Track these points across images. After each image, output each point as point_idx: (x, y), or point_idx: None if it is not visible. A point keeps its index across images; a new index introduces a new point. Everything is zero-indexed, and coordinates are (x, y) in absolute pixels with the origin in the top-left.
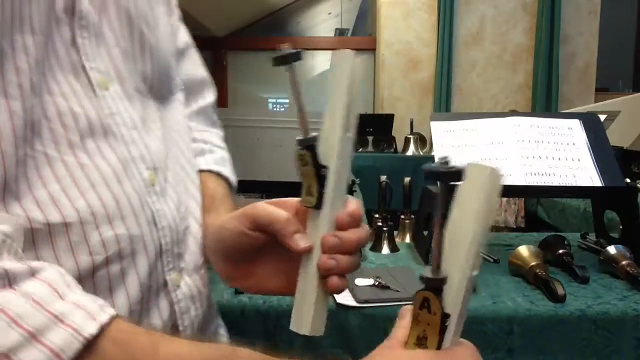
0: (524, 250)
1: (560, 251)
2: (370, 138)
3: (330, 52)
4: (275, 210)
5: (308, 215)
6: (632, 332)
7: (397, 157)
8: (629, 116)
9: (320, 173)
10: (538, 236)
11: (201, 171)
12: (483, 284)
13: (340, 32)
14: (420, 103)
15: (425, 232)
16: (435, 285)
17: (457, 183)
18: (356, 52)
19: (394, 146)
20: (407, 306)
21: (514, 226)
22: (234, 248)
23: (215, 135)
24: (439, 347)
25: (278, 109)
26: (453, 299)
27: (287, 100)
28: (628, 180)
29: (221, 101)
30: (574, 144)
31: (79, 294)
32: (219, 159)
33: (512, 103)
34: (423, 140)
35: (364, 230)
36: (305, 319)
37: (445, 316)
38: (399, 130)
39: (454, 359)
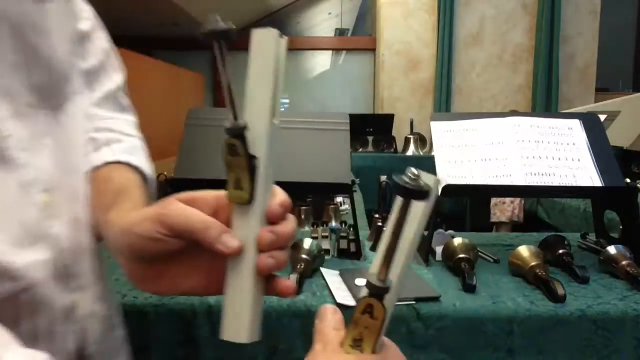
0: (524, 250)
1: (560, 251)
2: (370, 138)
3: (330, 52)
4: (192, 214)
5: (232, 209)
6: (632, 332)
7: (397, 157)
8: (629, 116)
9: (251, 164)
10: (538, 236)
11: (108, 163)
12: (483, 284)
13: (340, 32)
14: (420, 103)
15: (425, 232)
16: (380, 293)
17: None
18: (277, 32)
19: (394, 146)
20: (326, 305)
21: (514, 220)
22: (145, 252)
23: (124, 123)
24: (373, 350)
25: None
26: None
27: (287, 100)
28: (628, 180)
29: (221, 101)
30: (574, 144)
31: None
32: (129, 148)
33: (512, 103)
34: (423, 140)
35: (293, 220)
36: (242, 325)
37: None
38: (399, 130)
39: None
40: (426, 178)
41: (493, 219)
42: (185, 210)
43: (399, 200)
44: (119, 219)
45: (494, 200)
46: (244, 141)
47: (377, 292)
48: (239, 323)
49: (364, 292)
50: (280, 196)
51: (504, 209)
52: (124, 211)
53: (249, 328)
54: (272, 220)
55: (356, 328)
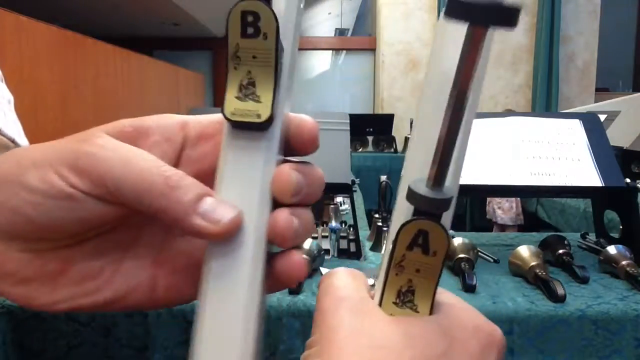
0: (524, 250)
1: (560, 251)
2: (370, 138)
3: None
4: (137, 161)
5: (226, 137)
6: (632, 332)
7: (397, 157)
8: (629, 116)
9: (279, 55)
10: (538, 236)
11: None
12: (483, 284)
13: (340, 32)
14: None
15: None
16: (439, 209)
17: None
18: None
19: (394, 146)
20: (330, 270)
21: (513, 223)
22: (40, 224)
23: None
24: (432, 308)
25: None
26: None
27: None
28: (628, 180)
29: (221, 101)
30: (574, 144)
31: None
32: None
33: (512, 103)
34: None
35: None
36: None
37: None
38: (399, 130)
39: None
40: None
41: (496, 219)
42: (127, 152)
43: (466, 33)
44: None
45: (493, 204)
46: (273, 9)
47: (435, 208)
48: (230, 353)
49: (402, 216)
50: (307, 119)
51: (505, 209)
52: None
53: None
54: (299, 151)
55: (401, 274)
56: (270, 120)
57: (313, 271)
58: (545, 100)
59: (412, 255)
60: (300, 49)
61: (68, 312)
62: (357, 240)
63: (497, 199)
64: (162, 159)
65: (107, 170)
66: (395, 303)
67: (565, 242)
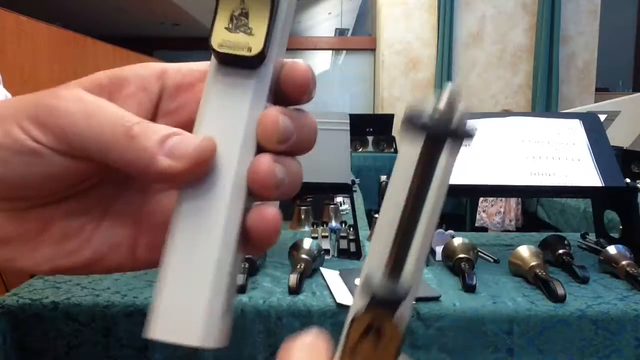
0: (524, 250)
1: (560, 251)
2: (370, 138)
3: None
4: (107, 118)
5: (212, 72)
6: (632, 332)
7: None
8: (629, 116)
9: None
10: (538, 236)
11: None
12: (483, 284)
13: (340, 32)
14: None
15: None
16: (392, 303)
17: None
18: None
19: (394, 146)
20: (290, 343)
21: (514, 229)
22: (5, 180)
23: None
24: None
25: None
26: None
27: None
28: (628, 180)
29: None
30: (574, 144)
31: None
32: None
33: (512, 103)
34: None
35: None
36: (198, 316)
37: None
38: (399, 130)
39: None
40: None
41: (479, 223)
42: (91, 104)
43: (417, 147)
44: None
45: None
46: None
47: (387, 301)
48: (191, 313)
49: (359, 303)
50: (299, 63)
51: (490, 213)
52: None
53: (212, 324)
54: (291, 96)
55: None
56: (261, 56)
57: (313, 271)
58: (545, 100)
59: (364, 347)
60: (300, 49)
61: (52, 273)
62: (357, 240)
63: (485, 203)
64: (137, 111)
65: (68, 123)
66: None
67: (565, 242)
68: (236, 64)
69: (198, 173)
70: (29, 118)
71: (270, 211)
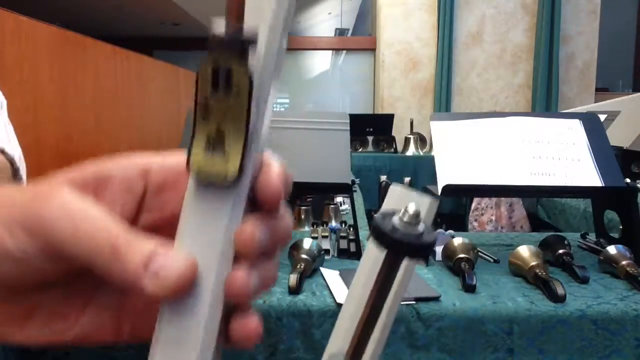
0: (524, 250)
1: (560, 251)
2: (370, 138)
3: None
4: (87, 226)
5: (190, 189)
6: (632, 332)
7: (397, 157)
8: (629, 116)
9: (250, 110)
10: (538, 236)
11: None
12: (483, 284)
13: (340, 32)
14: (420, 103)
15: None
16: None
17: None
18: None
19: (394, 146)
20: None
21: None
22: (5, 280)
23: None
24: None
25: (278, 109)
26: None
27: (287, 100)
28: (628, 180)
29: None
30: (574, 144)
31: None
32: None
33: (512, 103)
34: (423, 140)
35: (288, 211)
36: None
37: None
38: (399, 130)
39: None
40: (419, 202)
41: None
42: (77, 214)
43: (380, 256)
44: None
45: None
46: (246, 64)
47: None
48: None
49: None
50: (275, 166)
51: (482, 222)
52: None
53: None
54: (264, 206)
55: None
56: (238, 179)
57: (313, 271)
58: (545, 100)
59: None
60: (300, 49)
61: (41, 346)
62: (357, 240)
63: (476, 212)
64: (121, 211)
65: (55, 234)
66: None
67: (565, 242)
68: (213, 184)
69: (180, 294)
70: (18, 225)
71: (252, 322)
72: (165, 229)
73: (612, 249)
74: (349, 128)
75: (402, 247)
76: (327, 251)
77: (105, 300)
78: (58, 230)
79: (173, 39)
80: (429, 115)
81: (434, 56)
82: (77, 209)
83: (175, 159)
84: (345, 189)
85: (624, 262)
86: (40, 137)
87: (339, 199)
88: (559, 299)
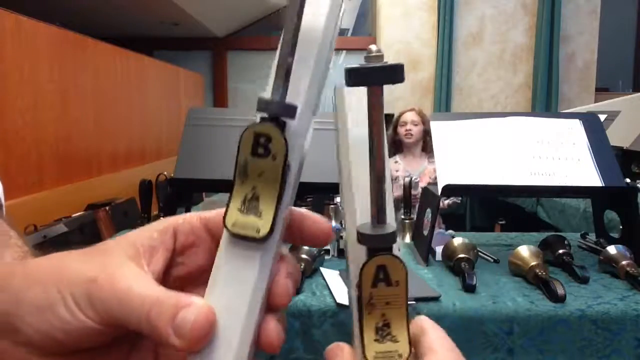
0: (524, 250)
1: (560, 251)
2: None
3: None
4: (136, 302)
5: (223, 243)
6: (632, 332)
7: None
8: (629, 116)
9: (285, 174)
10: (538, 236)
11: None
12: (483, 284)
13: (340, 32)
14: (420, 103)
15: (425, 232)
16: (389, 243)
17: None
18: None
19: None
20: (336, 344)
21: None
22: (61, 345)
23: None
24: (410, 337)
25: None
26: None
27: None
28: (628, 180)
29: (221, 101)
30: (574, 144)
31: None
32: None
33: (512, 103)
34: None
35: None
36: None
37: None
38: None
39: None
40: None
41: None
42: (121, 292)
43: (368, 93)
44: (7, 281)
45: None
46: (284, 134)
47: (385, 242)
48: None
49: (358, 258)
50: (322, 223)
51: None
52: (14, 269)
53: None
54: (304, 241)
55: (373, 311)
56: (268, 236)
57: (313, 271)
58: (545, 100)
59: (378, 291)
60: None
61: None
62: None
63: None
64: (162, 267)
65: (111, 307)
66: (376, 340)
67: (565, 242)
68: (246, 240)
69: (201, 345)
70: (82, 295)
71: (272, 335)
72: (193, 281)
73: (612, 249)
74: None
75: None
76: (327, 251)
77: (141, 358)
78: (109, 306)
79: (173, 39)
80: (429, 115)
81: (434, 56)
82: (121, 288)
83: (196, 219)
84: None
85: (624, 262)
86: (40, 137)
87: (339, 199)
88: (559, 299)
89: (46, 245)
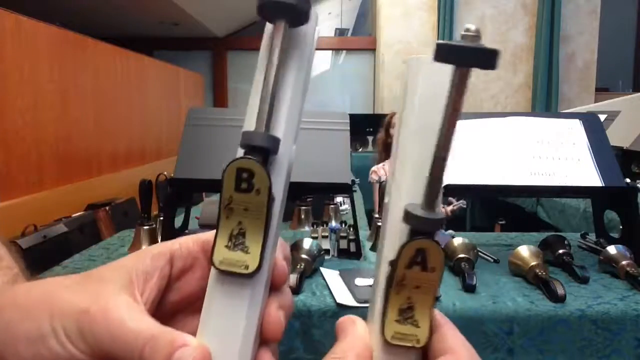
0: (524, 250)
1: (560, 251)
2: (370, 138)
3: (330, 52)
4: (128, 338)
5: (211, 278)
6: (632, 332)
7: None
8: (629, 116)
9: (270, 209)
10: (538, 236)
11: None
12: (483, 284)
13: (340, 32)
14: None
15: None
16: (434, 228)
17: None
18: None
19: None
20: (348, 316)
21: None
22: None
23: None
24: (432, 325)
25: None
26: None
27: None
28: (628, 180)
29: (221, 101)
30: (574, 144)
31: None
32: None
33: (512, 103)
34: None
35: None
36: None
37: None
38: None
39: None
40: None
41: None
42: (114, 325)
43: (453, 74)
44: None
45: None
46: (267, 169)
47: (431, 227)
48: None
49: (398, 235)
50: (283, 245)
51: None
52: (4, 300)
53: None
54: (274, 285)
55: (401, 292)
56: (257, 272)
57: (313, 271)
58: (545, 100)
59: (412, 274)
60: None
61: None
62: (357, 240)
63: None
64: (156, 295)
65: (103, 341)
66: (397, 321)
67: (565, 242)
68: (234, 276)
69: None
70: (73, 327)
71: (277, 322)
72: (186, 306)
73: (612, 249)
74: (349, 128)
75: (475, 53)
76: (327, 251)
77: None
78: (100, 340)
79: (173, 39)
80: None
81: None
82: (114, 319)
83: (192, 243)
84: (345, 189)
85: (624, 262)
86: (40, 137)
87: (339, 199)
88: (559, 299)
89: (46, 245)
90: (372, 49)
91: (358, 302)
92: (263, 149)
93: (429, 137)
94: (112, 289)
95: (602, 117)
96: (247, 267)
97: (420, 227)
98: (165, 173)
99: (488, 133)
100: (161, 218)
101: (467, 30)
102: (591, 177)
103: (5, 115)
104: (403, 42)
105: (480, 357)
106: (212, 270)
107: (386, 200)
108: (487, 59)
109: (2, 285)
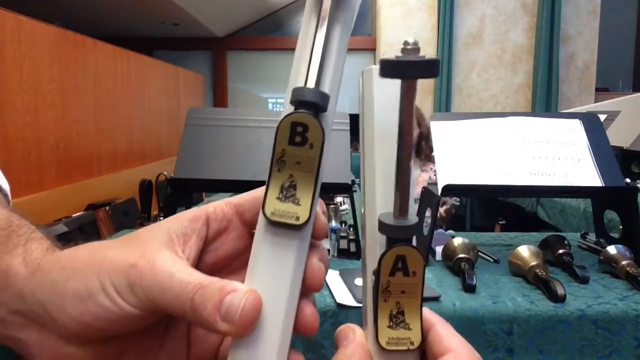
0: (524, 250)
1: (560, 251)
2: None
3: None
4: (177, 290)
5: (258, 232)
6: (632, 332)
7: None
8: (629, 116)
9: (321, 162)
10: (538, 236)
11: None
12: (483, 284)
13: None
14: (420, 103)
15: (425, 232)
16: (410, 234)
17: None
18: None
19: None
20: (348, 325)
21: None
22: (102, 331)
23: None
24: (422, 325)
25: (278, 109)
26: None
27: None
28: (628, 180)
29: (221, 101)
30: (574, 144)
31: None
32: None
33: (512, 103)
34: None
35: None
36: None
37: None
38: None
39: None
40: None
41: None
42: (163, 278)
43: (401, 87)
44: (43, 273)
45: None
46: (320, 122)
47: (405, 234)
48: None
49: (376, 245)
50: (320, 201)
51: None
52: (48, 262)
53: None
54: (315, 237)
55: (389, 299)
56: (307, 223)
57: None
58: (545, 100)
59: (395, 280)
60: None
61: None
62: (357, 240)
63: None
64: (196, 254)
65: (151, 293)
66: (389, 326)
67: (565, 242)
68: (285, 227)
69: (249, 330)
70: (122, 282)
71: (311, 316)
72: (221, 268)
73: (612, 249)
74: (349, 128)
75: (414, 66)
76: (327, 251)
77: (175, 345)
78: (150, 292)
79: (173, 39)
80: (429, 115)
81: (434, 56)
82: (163, 272)
83: (226, 205)
84: (345, 188)
85: (624, 262)
86: (40, 137)
87: (339, 199)
88: (559, 299)
89: None
90: (372, 49)
91: (358, 302)
92: (315, 105)
93: (391, 145)
94: (156, 246)
95: (602, 117)
96: (298, 219)
97: (395, 235)
98: (165, 173)
99: (488, 133)
100: (161, 218)
101: (406, 43)
102: (591, 177)
103: (5, 115)
104: (403, 42)
105: (478, 354)
106: (261, 221)
107: (362, 210)
108: (429, 68)
109: (43, 252)
